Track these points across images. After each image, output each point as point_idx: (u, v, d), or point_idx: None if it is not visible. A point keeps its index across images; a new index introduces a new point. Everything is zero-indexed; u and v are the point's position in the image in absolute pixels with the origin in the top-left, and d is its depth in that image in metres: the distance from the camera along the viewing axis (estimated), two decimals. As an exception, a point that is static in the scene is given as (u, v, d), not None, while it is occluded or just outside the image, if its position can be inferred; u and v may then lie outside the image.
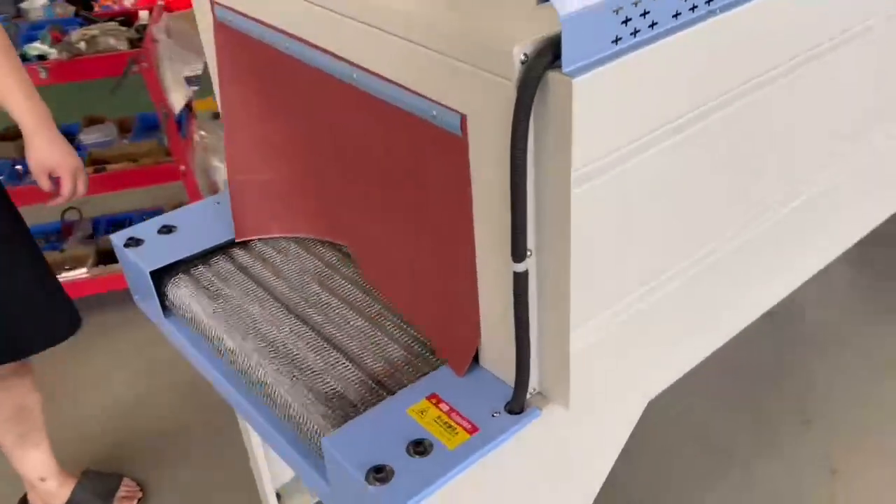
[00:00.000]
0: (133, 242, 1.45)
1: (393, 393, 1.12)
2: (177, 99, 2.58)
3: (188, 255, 1.42)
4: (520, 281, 0.97)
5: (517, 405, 1.07)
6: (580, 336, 1.01)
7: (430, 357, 1.19)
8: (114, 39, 2.49)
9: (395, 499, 0.97)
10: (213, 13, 1.31)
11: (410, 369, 1.17)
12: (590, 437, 1.21)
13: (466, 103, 0.93)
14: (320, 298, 1.32)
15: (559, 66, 0.84)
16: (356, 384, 1.16)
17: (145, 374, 2.65)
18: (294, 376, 1.18)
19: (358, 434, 1.05)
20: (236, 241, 1.44)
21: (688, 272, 1.14)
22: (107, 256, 2.89)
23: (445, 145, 0.98)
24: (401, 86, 1.01)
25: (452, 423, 1.06)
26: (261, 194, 1.39)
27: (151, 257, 1.41)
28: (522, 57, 0.84)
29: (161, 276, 1.40)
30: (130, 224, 3.09)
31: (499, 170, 0.92)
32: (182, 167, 2.66)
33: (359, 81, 1.08)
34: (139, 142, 2.86)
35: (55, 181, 1.69)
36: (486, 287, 1.06)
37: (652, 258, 1.08)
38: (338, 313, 1.29)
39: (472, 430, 1.05)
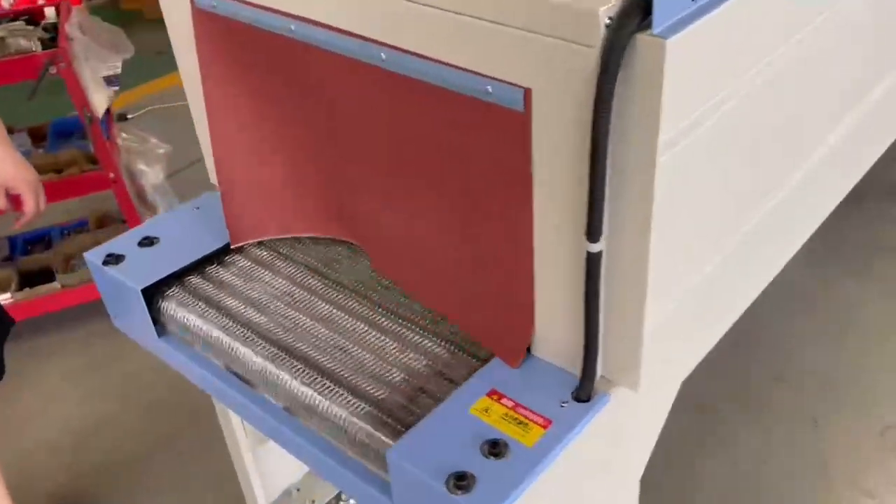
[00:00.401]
0: (113, 259, 1.31)
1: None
2: (99, 101, 2.40)
3: (178, 267, 1.30)
4: (593, 262, 0.92)
5: (585, 392, 1.02)
6: (652, 314, 0.96)
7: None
8: (24, 40, 2.28)
9: (483, 507, 0.90)
10: (192, 0, 1.18)
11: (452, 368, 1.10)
12: (641, 419, 1.17)
13: (532, 76, 0.86)
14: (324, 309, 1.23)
15: (646, 28, 0.78)
16: (398, 395, 1.08)
17: (97, 398, 2.48)
18: (332, 391, 1.09)
19: (424, 441, 0.98)
20: (232, 246, 1.32)
21: (745, 235, 1.11)
22: (31, 278, 2.67)
23: (501, 123, 0.91)
24: (445, 63, 0.93)
25: (522, 419, 1.00)
26: (257, 195, 1.28)
27: (138, 274, 1.28)
28: (607, 20, 0.78)
29: (147, 294, 1.28)
30: (50, 240, 2.87)
31: (568, 145, 0.86)
32: (111, 174, 2.47)
33: (388, 63, 0.99)
34: (56, 151, 2.65)
35: (12, 199, 1.52)
36: (544, 271, 1.00)
37: (722, 223, 1.04)
38: (349, 323, 1.20)
39: (545, 423, 0.99)
